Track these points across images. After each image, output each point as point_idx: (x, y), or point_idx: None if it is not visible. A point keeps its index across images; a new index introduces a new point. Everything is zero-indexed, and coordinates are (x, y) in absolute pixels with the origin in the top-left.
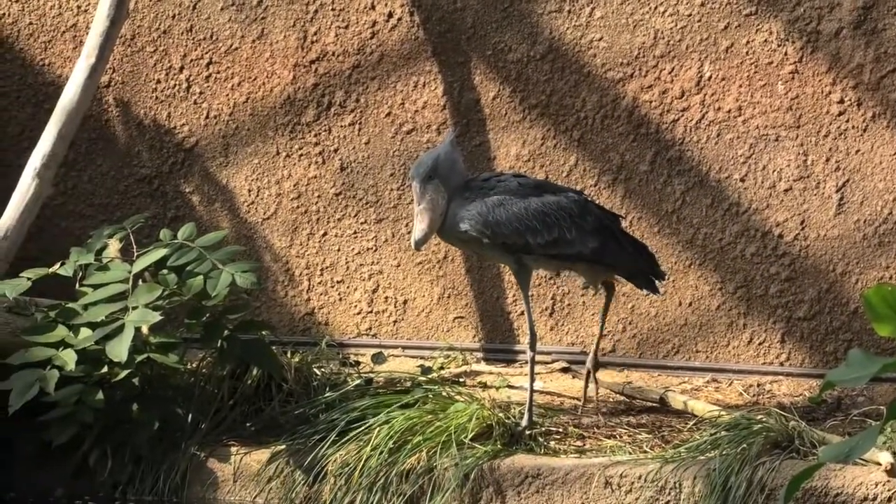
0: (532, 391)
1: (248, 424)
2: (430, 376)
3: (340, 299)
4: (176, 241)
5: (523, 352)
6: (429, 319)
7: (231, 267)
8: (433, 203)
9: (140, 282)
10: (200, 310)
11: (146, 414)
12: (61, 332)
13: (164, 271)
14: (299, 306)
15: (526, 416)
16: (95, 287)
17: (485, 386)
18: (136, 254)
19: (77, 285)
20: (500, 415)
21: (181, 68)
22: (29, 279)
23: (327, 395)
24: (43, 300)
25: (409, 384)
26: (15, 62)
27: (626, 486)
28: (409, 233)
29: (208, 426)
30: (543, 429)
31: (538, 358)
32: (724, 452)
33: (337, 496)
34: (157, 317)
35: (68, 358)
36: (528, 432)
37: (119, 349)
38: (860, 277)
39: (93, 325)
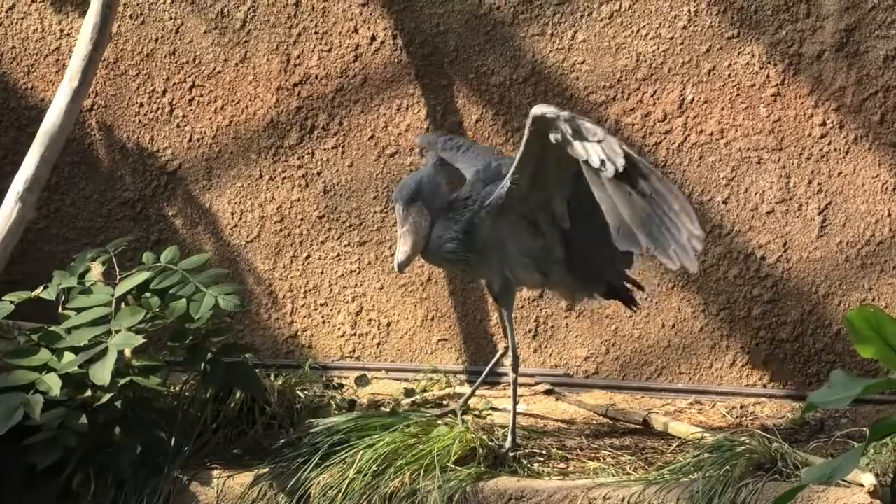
0: (515, 413)
1: (231, 448)
2: (413, 398)
3: (324, 322)
4: (159, 264)
5: (507, 374)
6: (412, 342)
7: (214, 290)
8: (416, 226)
9: (123, 305)
10: (184, 333)
11: (129, 437)
12: (44, 355)
13: (147, 294)
14: (283, 329)
15: (509, 438)
16: (78, 311)
17: (468, 409)
18: (118, 277)
19: (60, 309)
20: (484, 437)
21: (164, 91)
22: (12, 302)
23: (311, 419)
24: (26, 324)
25: (392, 406)
26: None
27: None
28: (392, 255)
29: (191, 449)
30: (527, 451)
31: (521, 380)
32: (707, 474)
33: None
34: (139, 340)
35: (52, 383)
36: (511, 454)
37: (102, 373)
38: (843, 299)
39: (76, 350)
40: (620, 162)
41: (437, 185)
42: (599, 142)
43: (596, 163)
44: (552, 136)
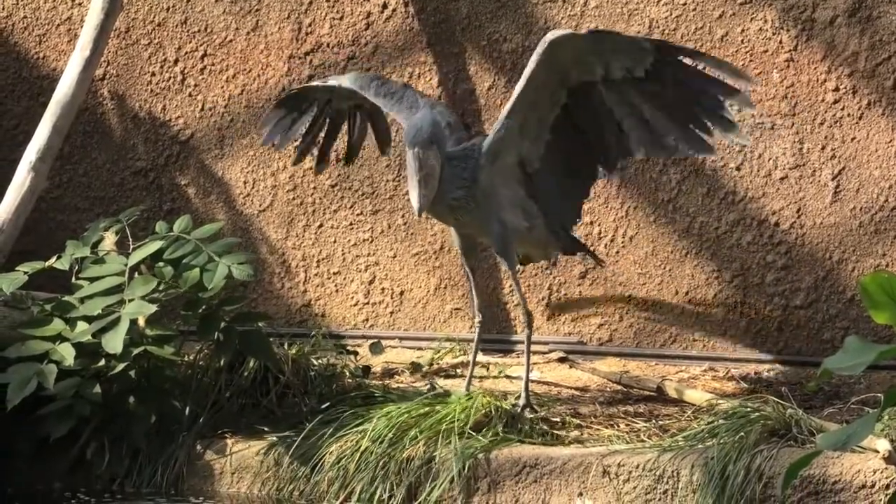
0: (528, 369)
1: (245, 416)
2: (423, 371)
3: (337, 291)
4: (172, 233)
5: (520, 342)
6: (425, 310)
7: (227, 259)
8: (433, 170)
9: (136, 274)
10: (197, 302)
11: (143, 407)
12: (58, 325)
13: (161, 264)
14: (296, 298)
15: (523, 395)
16: (91, 280)
17: (482, 377)
18: (131, 246)
19: (73, 278)
20: (497, 403)
21: (176, 61)
22: (25, 273)
23: (325, 388)
24: (40, 294)
25: (406, 374)
26: (10, 56)
27: (624, 475)
28: (405, 224)
29: (205, 418)
30: (541, 415)
31: (535, 348)
32: (721, 441)
33: (335, 487)
34: (152, 308)
35: (66, 353)
36: (528, 414)
37: (114, 342)
38: (857, 265)
39: (89, 319)
40: (649, 60)
41: (442, 130)
42: (623, 49)
43: (619, 74)
44: (563, 61)
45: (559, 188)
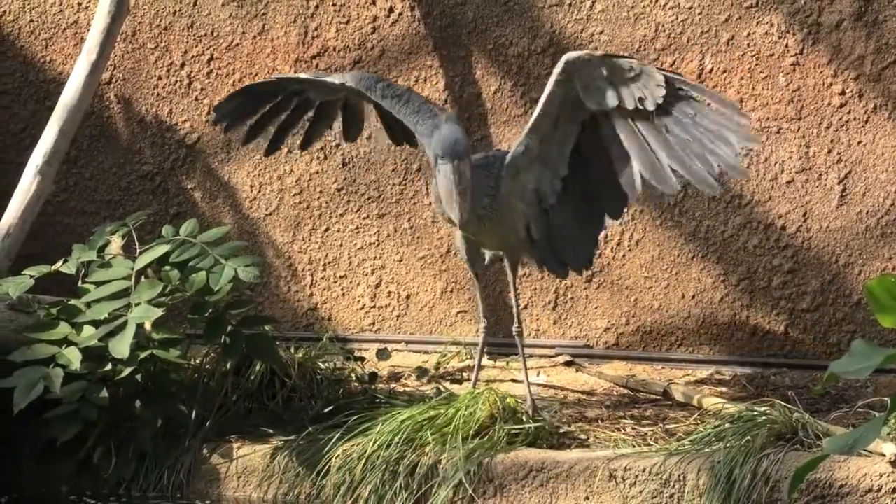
0: (527, 375)
1: (251, 420)
2: (430, 374)
3: (343, 294)
4: (178, 237)
5: (527, 346)
6: (432, 314)
7: (233, 261)
8: (469, 182)
9: (143, 278)
10: (203, 305)
11: (149, 411)
12: (64, 329)
13: (167, 268)
14: (302, 302)
15: (529, 401)
16: (98, 284)
17: (487, 380)
18: (138, 250)
19: (79, 282)
20: (502, 403)
21: (182, 64)
22: (32, 277)
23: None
24: (46, 297)
25: (412, 378)
26: (16, 59)
27: (631, 479)
28: (411, 228)
29: (211, 422)
30: (546, 422)
31: (541, 352)
32: (728, 445)
33: (341, 491)
34: (158, 312)
35: (72, 357)
36: (532, 423)
37: (121, 346)
38: (863, 269)
39: (96, 323)
40: (660, 93)
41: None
42: (636, 77)
43: (631, 104)
44: (579, 84)
45: (570, 228)
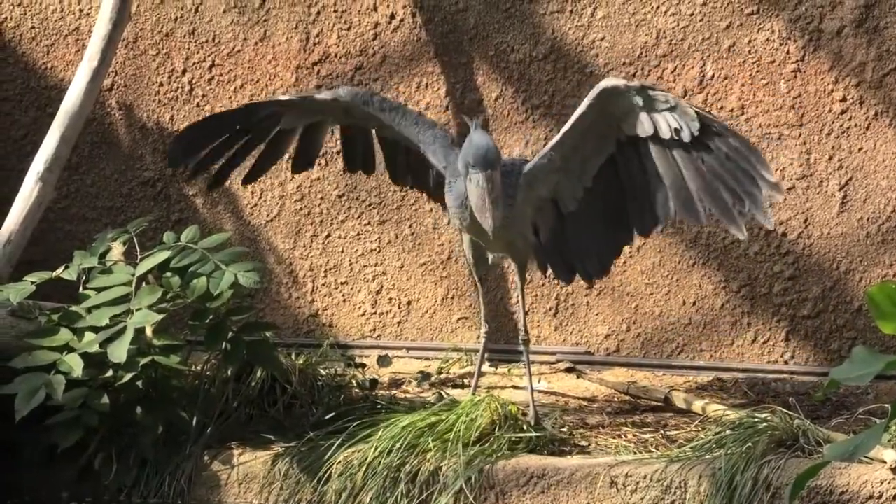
0: (531, 383)
1: (252, 427)
2: (431, 380)
3: (344, 301)
4: (179, 243)
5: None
6: (433, 320)
7: (234, 267)
8: (501, 190)
9: (143, 284)
10: (204, 312)
11: (150, 417)
12: (65, 335)
13: (168, 274)
14: (303, 308)
15: (531, 411)
16: (98, 290)
17: (488, 386)
18: (139, 256)
19: (80, 288)
20: (503, 409)
21: (184, 71)
22: (33, 283)
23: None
24: (46, 304)
25: (413, 384)
26: (18, 66)
27: (632, 486)
28: (412, 234)
29: (212, 429)
30: (548, 432)
31: (542, 358)
32: (729, 451)
33: (342, 498)
34: (158, 317)
35: (73, 363)
36: (534, 432)
37: (119, 351)
38: (864, 275)
39: (96, 329)
40: (696, 126)
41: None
42: (671, 109)
43: (666, 134)
44: (613, 109)
45: (590, 236)
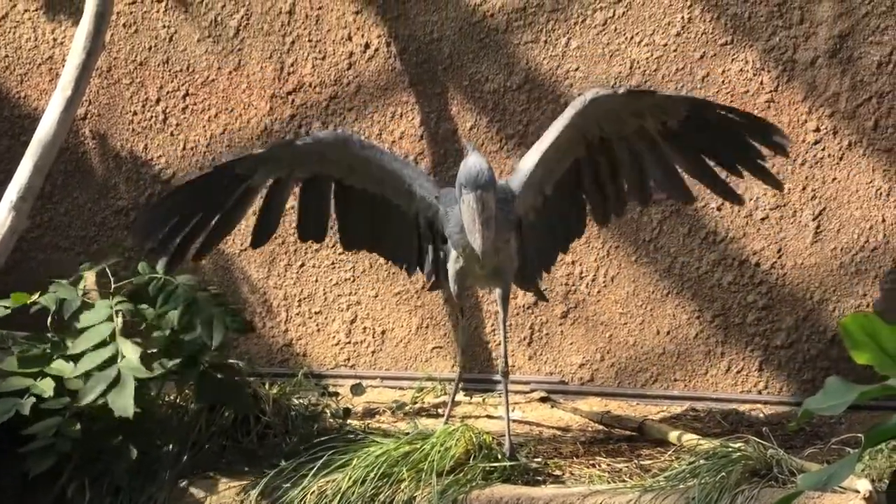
0: (508, 414)
1: (226, 456)
2: (405, 410)
3: (318, 330)
4: (155, 274)
5: (500, 381)
6: (407, 350)
7: (219, 309)
8: (493, 212)
9: (120, 315)
10: (180, 345)
11: (125, 445)
12: (41, 362)
13: (143, 305)
14: (277, 337)
15: (507, 443)
16: (80, 331)
17: (463, 416)
18: (112, 286)
19: (49, 320)
20: (478, 438)
21: (158, 100)
22: (6, 307)
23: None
24: (19, 333)
25: (387, 414)
26: None
27: None
28: (386, 263)
29: (187, 458)
30: (523, 463)
31: (516, 387)
32: (702, 481)
33: None
34: (148, 374)
35: (46, 386)
36: (509, 462)
37: (123, 401)
38: (837, 305)
39: (72, 358)
40: (684, 113)
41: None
42: (657, 105)
43: (654, 129)
44: (598, 118)
45: (544, 240)
